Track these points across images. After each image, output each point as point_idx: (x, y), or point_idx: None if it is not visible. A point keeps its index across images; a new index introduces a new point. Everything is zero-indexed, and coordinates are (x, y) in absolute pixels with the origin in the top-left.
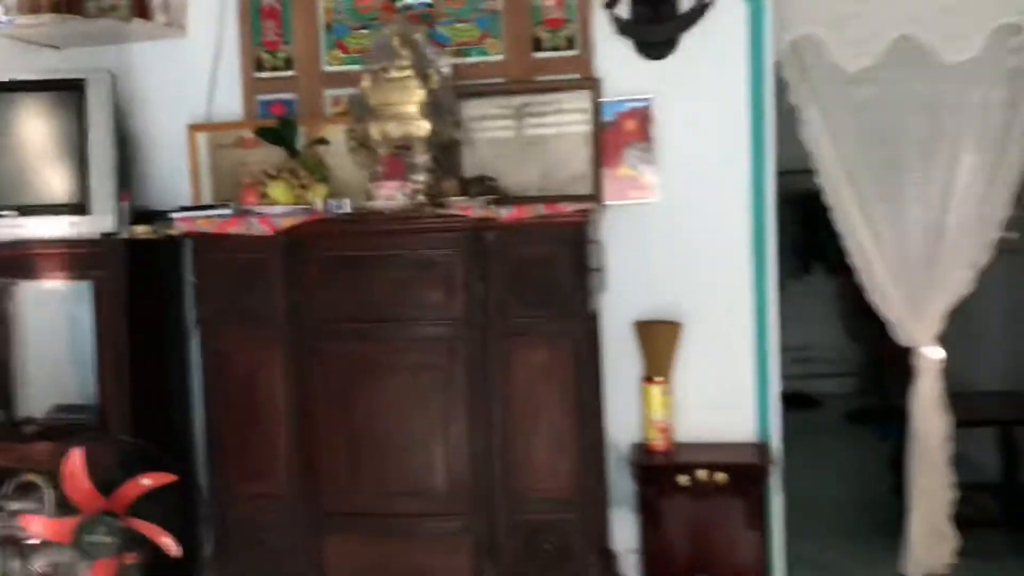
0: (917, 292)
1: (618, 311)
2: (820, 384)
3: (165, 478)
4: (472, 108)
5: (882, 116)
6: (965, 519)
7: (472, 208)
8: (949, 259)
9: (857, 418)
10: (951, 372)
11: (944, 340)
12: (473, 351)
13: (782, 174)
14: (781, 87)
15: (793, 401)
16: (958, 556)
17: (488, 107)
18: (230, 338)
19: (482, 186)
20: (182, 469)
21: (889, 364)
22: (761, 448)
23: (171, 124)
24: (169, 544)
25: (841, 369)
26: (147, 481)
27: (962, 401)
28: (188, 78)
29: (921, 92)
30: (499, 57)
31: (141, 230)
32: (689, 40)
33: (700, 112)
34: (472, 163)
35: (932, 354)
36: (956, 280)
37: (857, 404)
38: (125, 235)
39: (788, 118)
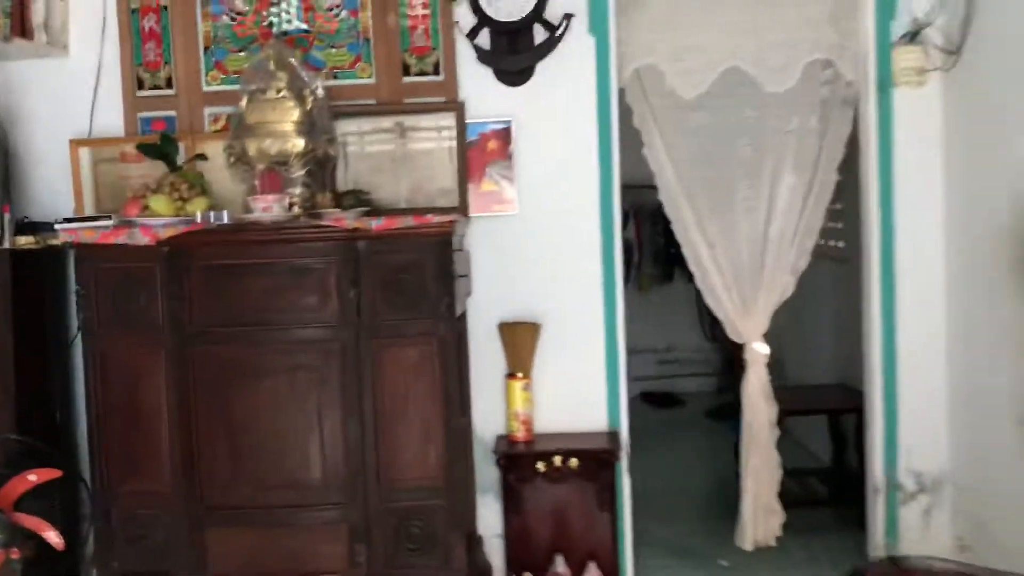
0: (746, 294)
1: (484, 314)
2: (684, 383)
3: (50, 474)
4: (346, 127)
5: (714, 139)
6: (795, 498)
7: (345, 219)
8: (773, 265)
9: (715, 414)
10: (789, 368)
11: (782, 340)
12: (346, 352)
13: (645, 189)
14: (629, 111)
15: (659, 400)
16: (790, 531)
17: (361, 126)
18: (114, 343)
19: (355, 199)
20: (67, 466)
21: (739, 363)
22: (611, 436)
23: (53, 139)
24: (54, 538)
25: (702, 369)
26: (33, 477)
27: (797, 393)
28: (70, 95)
29: (748, 118)
30: (370, 80)
31: (24, 240)
32: (544, 68)
33: (554, 133)
34: (346, 178)
35: (759, 349)
36: (780, 284)
37: (715, 401)
38: (7, 245)
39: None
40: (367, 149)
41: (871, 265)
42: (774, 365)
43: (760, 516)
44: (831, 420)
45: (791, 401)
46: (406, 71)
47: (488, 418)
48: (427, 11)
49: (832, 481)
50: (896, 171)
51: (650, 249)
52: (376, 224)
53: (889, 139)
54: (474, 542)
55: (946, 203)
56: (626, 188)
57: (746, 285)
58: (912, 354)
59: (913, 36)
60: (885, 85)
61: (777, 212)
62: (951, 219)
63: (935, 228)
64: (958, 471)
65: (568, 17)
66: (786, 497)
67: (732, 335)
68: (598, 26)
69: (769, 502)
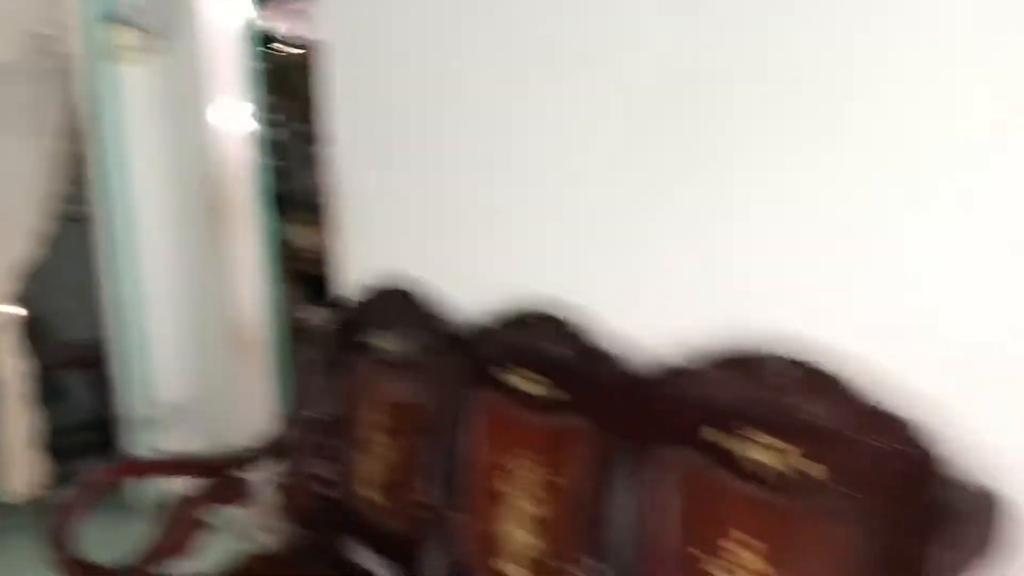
0: None
1: None
2: None
3: None
4: None
5: None
6: (68, 449)
7: None
8: (7, 231)
9: None
10: (57, 326)
11: (48, 300)
12: None
13: None
14: None
15: None
16: (66, 481)
17: None
18: None
19: None
20: None
21: None
22: None
23: None
24: None
25: None
26: None
27: (61, 349)
28: None
29: None
30: None
31: None
32: None
33: None
34: None
35: (6, 311)
36: (17, 248)
37: None
38: None
39: None
40: None
41: (112, 223)
42: (37, 325)
43: (21, 469)
44: (94, 371)
45: (52, 357)
46: None
47: None
48: None
49: (102, 428)
50: (128, 137)
51: None
52: None
53: (117, 109)
54: None
55: (169, 164)
56: None
57: None
58: (156, 298)
59: (124, 18)
60: (103, 60)
61: (7, 178)
62: (174, 178)
63: (168, 186)
64: (200, 393)
65: None
66: (57, 450)
67: None
68: None
69: (30, 455)
